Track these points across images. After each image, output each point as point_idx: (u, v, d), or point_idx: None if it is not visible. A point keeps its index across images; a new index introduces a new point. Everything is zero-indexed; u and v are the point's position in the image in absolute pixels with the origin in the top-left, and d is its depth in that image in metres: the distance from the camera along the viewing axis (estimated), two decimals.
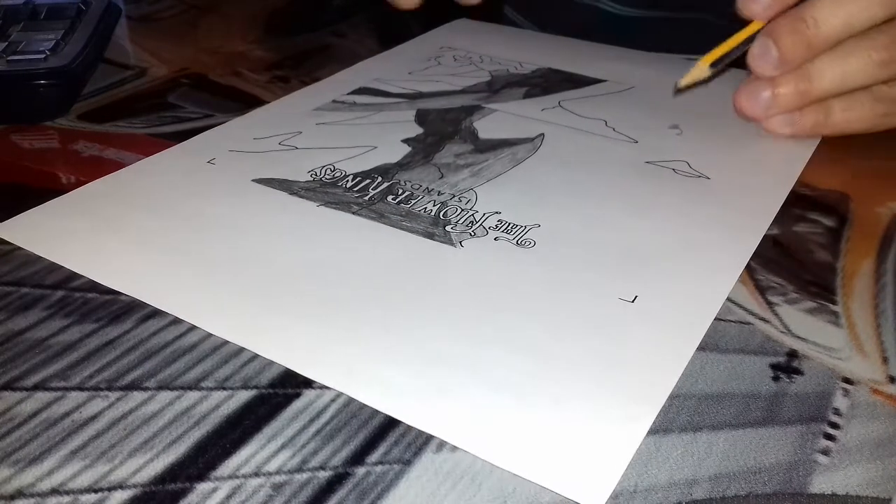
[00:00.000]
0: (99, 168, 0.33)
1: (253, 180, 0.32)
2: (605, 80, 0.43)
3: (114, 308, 0.26)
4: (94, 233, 0.29)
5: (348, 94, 0.41)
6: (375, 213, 0.30)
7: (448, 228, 0.29)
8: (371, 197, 0.31)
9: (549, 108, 0.40)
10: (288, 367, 0.23)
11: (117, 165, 0.34)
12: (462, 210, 0.31)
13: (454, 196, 0.32)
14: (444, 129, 0.37)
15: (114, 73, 0.43)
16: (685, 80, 0.36)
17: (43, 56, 0.37)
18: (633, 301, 0.26)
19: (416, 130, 0.37)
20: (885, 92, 0.34)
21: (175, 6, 0.54)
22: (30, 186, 0.32)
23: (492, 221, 0.30)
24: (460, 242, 0.29)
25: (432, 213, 0.30)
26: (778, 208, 0.31)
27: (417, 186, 0.32)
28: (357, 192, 0.32)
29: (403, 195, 0.32)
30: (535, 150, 0.35)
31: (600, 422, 0.21)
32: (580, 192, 0.32)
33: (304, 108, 0.39)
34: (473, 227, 0.30)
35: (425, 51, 0.47)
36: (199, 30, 0.50)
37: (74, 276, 0.27)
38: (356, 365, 0.23)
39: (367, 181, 0.32)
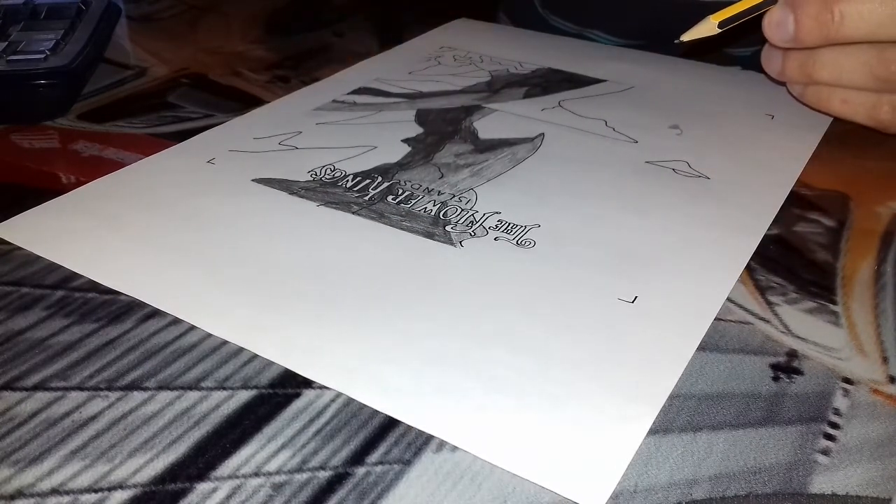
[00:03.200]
0: (99, 168, 0.33)
1: (253, 180, 0.32)
2: (605, 80, 0.43)
3: (114, 308, 0.26)
4: (93, 232, 0.29)
5: (348, 94, 0.41)
6: (375, 213, 0.30)
7: (448, 228, 0.29)
8: (371, 197, 0.31)
9: (549, 108, 0.40)
10: (287, 367, 0.23)
11: (117, 165, 0.34)
12: (462, 210, 0.31)
13: (454, 196, 0.32)
14: (444, 129, 0.37)
15: (114, 73, 0.43)
16: (689, 35, 0.35)
17: (43, 56, 0.37)
18: (632, 301, 0.26)
19: (417, 130, 0.37)
20: (891, 100, 0.34)
21: (175, 6, 0.54)
22: (30, 186, 0.32)
23: (492, 221, 0.30)
24: (460, 242, 0.29)
25: (432, 213, 0.30)
26: (778, 208, 0.31)
27: (417, 186, 0.32)
28: (357, 191, 0.32)
29: (403, 195, 0.32)
30: (535, 149, 0.35)
31: (600, 422, 0.21)
32: (580, 192, 0.32)
33: (304, 108, 0.39)
34: (473, 227, 0.30)
35: (425, 51, 0.47)
36: (199, 30, 0.50)
37: (74, 276, 0.27)
38: (356, 365, 0.23)
39: (367, 181, 0.33)
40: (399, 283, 0.27)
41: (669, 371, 0.23)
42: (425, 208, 0.31)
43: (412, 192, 0.32)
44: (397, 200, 0.31)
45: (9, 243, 0.29)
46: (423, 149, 0.35)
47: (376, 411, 0.22)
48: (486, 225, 0.30)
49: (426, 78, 0.43)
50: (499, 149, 0.35)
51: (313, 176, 0.33)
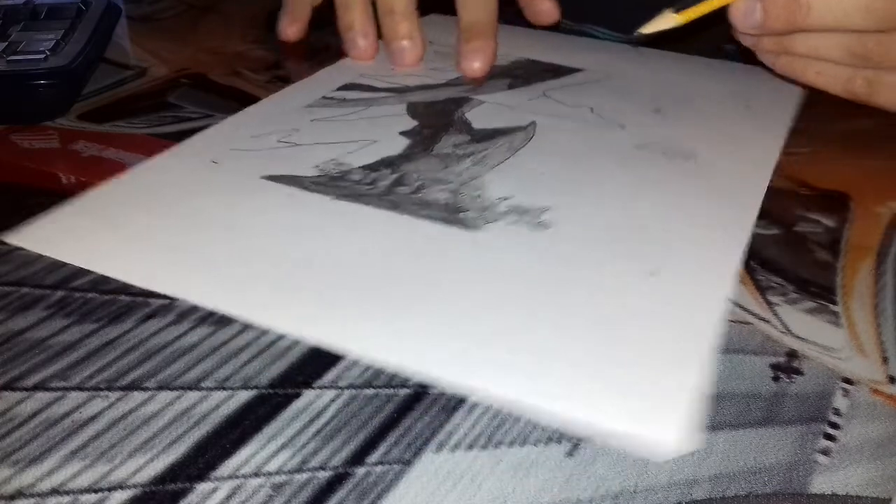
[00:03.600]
0: (99, 168, 0.33)
1: (262, 177, 0.32)
2: (582, 70, 0.44)
3: (114, 308, 0.26)
4: (116, 236, 0.28)
5: (336, 90, 0.41)
6: (391, 203, 0.31)
7: (463, 215, 0.30)
8: (383, 188, 0.32)
9: (534, 97, 0.40)
10: (322, 344, 0.24)
11: (117, 165, 0.34)
12: (473, 197, 0.31)
13: (463, 184, 0.32)
14: (437, 121, 0.38)
15: (114, 73, 0.43)
16: (649, 27, 0.36)
17: (43, 56, 0.37)
18: (653, 274, 0.27)
19: (411, 123, 0.37)
20: (865, 75, 0.34)
21: (175, 6, 0.54)
22: (30, 186, 0.32)
23: (505, 206, 0.31)
24: (478, 228, 0.29)
25: (446, 202, 0.31)
26: (768, 181, 0.33)
27: (425, 176, 0.33)
28: (367, 184, 0.32)
29: (414, 185, 0.32)
30: (529, 138, 0.36)
31: (657, 374, 0.23)
32: (580, 175, 0.33)
33: (294, 106, 0.39)
34: (487, 213, 0.30)
35: None
36: (199, 30, 0.50)
37: (74, 275, 0.27)
38: (402, 344, 0.24)
39: (376, 173, 0.33)
40: (428, 268, 0.27)
41: (705, 332, 0.24)
42: (437, 197, 0.31)
43: (422, 182, 0.32)
44: (409, 191, 0.31)
45: (8, 244, 0.28)
46: (421, 140, 0.36)
47: (376, 411, 0.22)
48: (498, 210, 0.30)
49: (410, 72, 0.43)
50: (495, 138, 0.36)
51: (321, 171, 0.33)
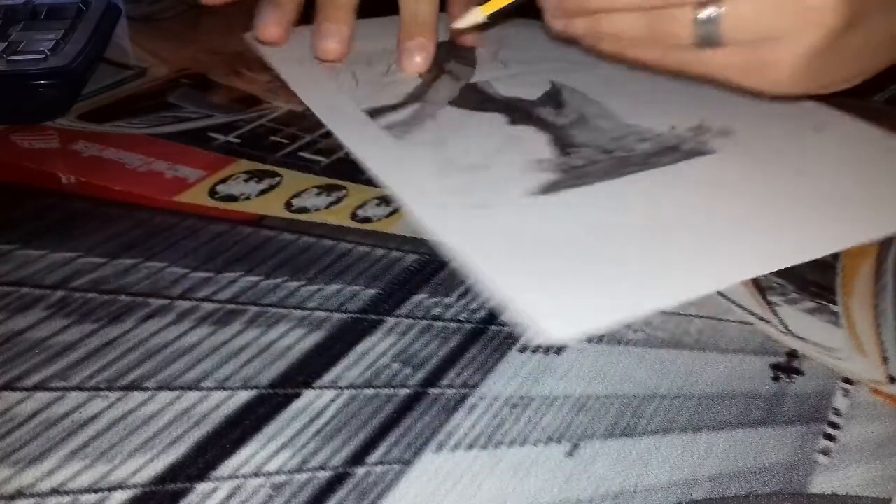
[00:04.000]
0: (99, 168, 0.33)
1: (532, 194, 0.31)
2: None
3: (114, 308, 0.26)
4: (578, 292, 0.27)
5: (376, 120, 0.37)
6: (637, 165, 0.33)
7: (680, 151, 0.34)
8: (609, 162, 0.33)
9: (498, 66, 0.42)
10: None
11: (117, 165, 0.34)
12: (661, 136, 0.35)
13: (634, 135, 0.35)
14: (498, 106, 0.39)
15: (114, 73, 0.43)
16: (460, 23, 0.38)
17: (43, 56, 0.37)
18: (819, 130, 0.35)
19: (493, 116, 0.37)
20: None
21: (175, 6, 0.54)
22: (30, 186, 0.32)
23: (686, 131, 0.35)
24: (712, 151, 0.34)
25: (658, 148, 0.34)
26: None
27: (605, 141, 0.35)
28: (590, 165, 0.33)
29: (617, 151, 0.34)
30: (574, 90, 0.39)
31: None
32: (663, 97, 0.38)
33: (390, 144, 0.35)
34: (691, 141, 0.34)
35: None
36: (199, 30, 0.50)
37: (75, 275, 0.27)
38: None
39: (578, 157, 0.34)
40: (739, 189, 0.31)
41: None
42: (644, 149, 0.34)
43: (616, 147, 0.34)
44: (623, 155, 0.34)
45: (8, 243, 0.28)
46: (544, 124, 0.37)
47: (376, 411, 0.22)
48: (689, 136, 0.35)
49: (387, 84, 0.41)
50: (559, 98, 0.39)
51: (552, 171, 0.33)
